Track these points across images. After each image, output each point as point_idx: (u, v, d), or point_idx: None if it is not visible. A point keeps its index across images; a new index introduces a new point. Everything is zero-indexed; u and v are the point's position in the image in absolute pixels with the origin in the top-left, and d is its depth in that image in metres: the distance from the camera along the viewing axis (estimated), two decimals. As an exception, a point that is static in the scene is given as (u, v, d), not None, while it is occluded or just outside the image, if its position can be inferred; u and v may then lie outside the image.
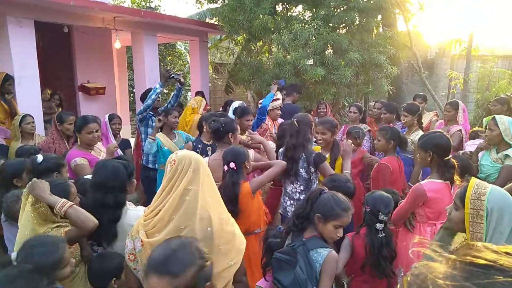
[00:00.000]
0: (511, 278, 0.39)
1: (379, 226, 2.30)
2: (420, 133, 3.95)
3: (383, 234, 2.31)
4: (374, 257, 2.20)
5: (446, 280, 0.43)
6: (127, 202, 2.20)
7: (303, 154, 3.14)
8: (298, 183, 3.20)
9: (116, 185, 2.08)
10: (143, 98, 4.68)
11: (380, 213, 2.30)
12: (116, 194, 2.08)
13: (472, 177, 2.08)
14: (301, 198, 3.12)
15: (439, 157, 2.46)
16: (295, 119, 3.23)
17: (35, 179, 2.01)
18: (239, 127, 3.48)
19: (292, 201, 3.25)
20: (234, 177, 2.65)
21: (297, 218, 2.04)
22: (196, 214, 1.63)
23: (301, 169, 3.16)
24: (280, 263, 1.95)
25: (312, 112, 5.85)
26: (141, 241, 1.66)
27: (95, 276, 2.03)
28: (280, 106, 4.59)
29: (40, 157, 2.50)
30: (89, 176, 2.77)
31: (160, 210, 1.67)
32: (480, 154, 3.44)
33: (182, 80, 4.61)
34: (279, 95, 4.68)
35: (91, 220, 1.95)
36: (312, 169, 3.15)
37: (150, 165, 4.32)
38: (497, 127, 3.18)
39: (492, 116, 3.35)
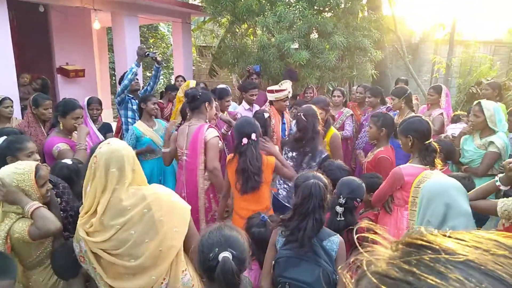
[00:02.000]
0: (439, 255, 0.41)
1: (339, 209, 2.22)
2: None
3: (342, 218, 2.21)
4: None
5: (383, 261, 0.45)
6: None
7: (311, 153, 3.09)
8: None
9: None
10: (121, 81, 4.55)
11: (341, 196, 2.22)
12: None
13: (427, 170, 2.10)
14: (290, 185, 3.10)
15: (419, 142, 2.46)
16: (301, 113, 3.14)
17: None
18: (217, 104, 3.45)
19: (285, 185, 3.26)
20: (257, 148, 2.70)
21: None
22: (126, 210, 1.64)
23: (304, 164, 3.11)
24: (292, 260, 1.88)
25: (298, 97, 5.82)
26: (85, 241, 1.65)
27: (61, 268, 1.95)
28: (287, 97, 4.26)
29: None
30: (67, 161, 2.69)
31: (94, 211, 1.66)
32: (462, 139, 3.42)
33: (158, 58, 4.48)
34: (284, 86, 4.27)
35: (54, 224, 1.82)
36: (315, 168, 3.06)
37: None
38: (482, 114, 3.12)
39: (477, 101, 3.28)
